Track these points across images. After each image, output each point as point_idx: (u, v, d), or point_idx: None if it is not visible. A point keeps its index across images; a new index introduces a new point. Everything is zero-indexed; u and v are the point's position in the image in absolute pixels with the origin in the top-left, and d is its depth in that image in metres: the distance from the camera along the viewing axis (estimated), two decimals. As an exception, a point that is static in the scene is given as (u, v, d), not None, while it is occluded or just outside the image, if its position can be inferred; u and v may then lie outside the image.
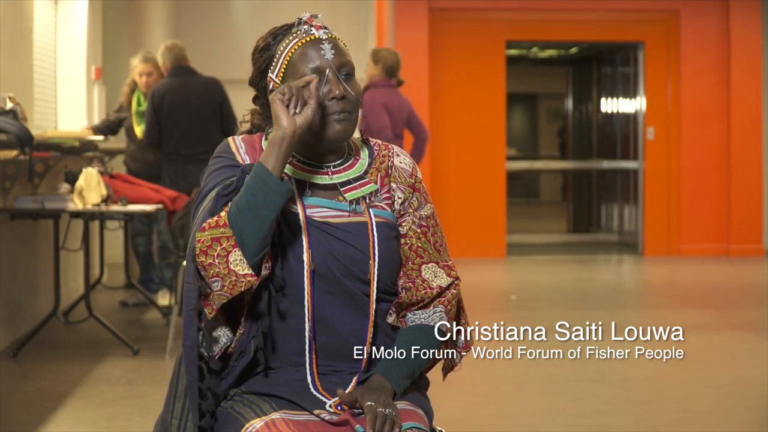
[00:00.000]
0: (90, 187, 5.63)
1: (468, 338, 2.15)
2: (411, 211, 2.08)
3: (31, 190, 5.85)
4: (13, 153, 5.17)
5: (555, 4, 10.16)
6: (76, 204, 5.61)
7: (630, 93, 10.75)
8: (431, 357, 2.05)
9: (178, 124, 6.66)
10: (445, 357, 2.14)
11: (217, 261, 1.88)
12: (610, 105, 11.80)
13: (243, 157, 2.03)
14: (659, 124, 10.23)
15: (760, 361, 5.38)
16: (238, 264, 1.87)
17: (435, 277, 2.06)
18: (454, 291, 2.08)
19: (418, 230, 2.08)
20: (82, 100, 7.71)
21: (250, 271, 1.87)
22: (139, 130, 6.92)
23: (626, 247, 10.74)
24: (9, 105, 5.18)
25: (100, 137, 6.93)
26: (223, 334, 1.99)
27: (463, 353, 2.15)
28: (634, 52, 10.45)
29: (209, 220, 1.90)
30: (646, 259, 10.09)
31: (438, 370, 2.21)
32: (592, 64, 12.13)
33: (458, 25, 10.03)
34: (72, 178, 5.80)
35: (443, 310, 2.06)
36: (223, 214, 1.89)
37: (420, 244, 2.07)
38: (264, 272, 1.93)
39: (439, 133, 9.94)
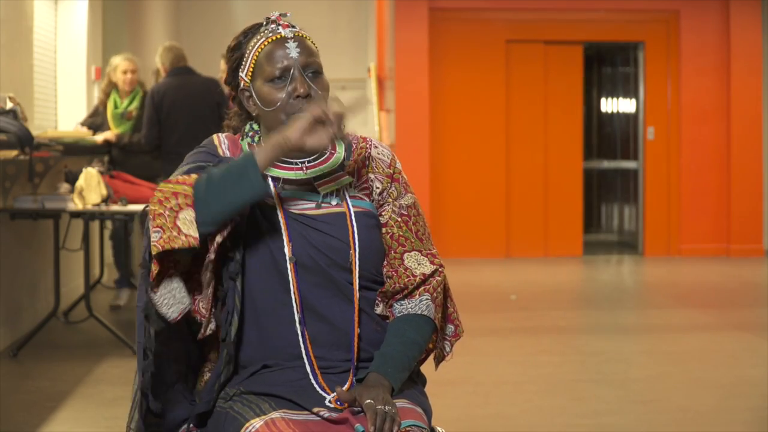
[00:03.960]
0: (90, 187, 5.63)
1: (457, 326, 2.15)
2: (390, 200, 2.10)
3: (31, 190, 5.85)
4: (13, 153, 5.17)
5: (555, 4, 10.16)
6: (76, 204, 5.61)
7: (630, 93, 10.75)
8: (423, 345, 2.05)
9: (178, 124, 6.67)
10: (435, 347, 2.14)
11: (167, 213, 1.88)
12: (610, 105, 11.79)
13: (224, 151, 2.07)
14: (659, 124, 10.23)
15: (760, 361, 5.38)
16: (186, 223, 1.87)
17: (418, 265, 2.07)
18: (439, 278, 2.08)
19: (399, 219, 2.09)
20: (82, 100, 7.71)
21: (195, 234, 1.87)
22: (117, 131, 6.90)
23: (626, 247, 10.74)
24: (9, 105, 5.18)
25: (100, 138, 6.93)
26: (185, 296, 1.97)
27: (453, 341, 2.15)
28: (634, 52, 10.46)
29: (177, 177, 1.93)
30: (646, 259, 10.09)
31: (438, 369, 2.21)
32: (592, 64, 12.13)
33: (458, 25, 10.03)
34: (72, 178, 5.80)
35: (429, 298, 2.06)
36: (193, 176, 1.92)
37: (401, 233, 2.08)
38: (218, 239, 1.92)
39: (439, 133, 9.94)
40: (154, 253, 1.88)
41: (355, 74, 11.39)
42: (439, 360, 2.17)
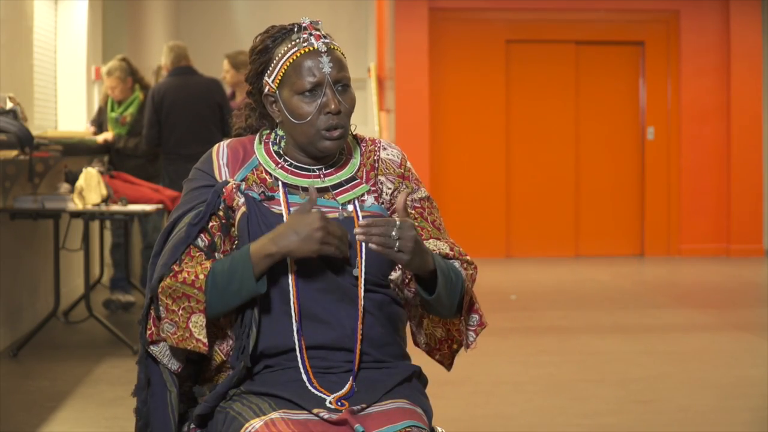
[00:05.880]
0: (90, 187, 5.63)
1: (481, 315, 2.12)
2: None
3: (31, 190, 5.85)
4: (13, 153, 5.17)
5: (555, 4, 10.16)
6: (76, 204, 5.61)
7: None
8: (456, 280, 2.02)
9: (178, 124, 6.66)
10: (457, 335, 2.12)
11: (180, 312, 1.94)
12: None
13: (222, 170, 2.05)
14: (659, 124, 10.23)
15: (760, 361, 5.38)
16: (197, 327, 1.93)
17: (437, 249, 2.05)
18: (472, 272, 2.08)
19: (413, 211, 2.09)
20: (82, 100, 7.71)
21: (205, 340, 1.93)
22: (112, 135, 6.90)
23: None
24: (9, 105, 5.18)
25: (100, 138, 6.93)
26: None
27: (478, 330, 2.12)
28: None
29: (186, 274, 1.94)
30: (646, 259, 10.09)
31: (437, 370, 2.20)
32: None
33: (458, 25, 10.03)
34: (72, 178, 5.80)
35: (459, 264, 2.05)
36: (201, 276, 1.93)
37: (417, 224, 2.08)
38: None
39: (439, 133, 9.94)
40: (167, 342, 1.97)
41: (355, 74, 11.34)
42: (456, 351, 2.15)
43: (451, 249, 2.07)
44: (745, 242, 10.07)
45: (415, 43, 9.81)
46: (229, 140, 2.12)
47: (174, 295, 1.93)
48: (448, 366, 2.17)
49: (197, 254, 1.98)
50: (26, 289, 5.99)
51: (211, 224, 2.01)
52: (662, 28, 10.23)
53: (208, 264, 1.95)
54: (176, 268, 1.96)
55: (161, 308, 1.95)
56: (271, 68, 2.03)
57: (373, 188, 2.09)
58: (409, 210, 2.09)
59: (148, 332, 1.99)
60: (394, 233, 1.87)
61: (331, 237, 1.89)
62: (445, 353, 2.14)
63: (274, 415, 1.89)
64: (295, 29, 2.04)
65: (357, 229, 1.86)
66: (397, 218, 1.89)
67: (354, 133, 2.15)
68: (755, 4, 10.09)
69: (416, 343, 2.15)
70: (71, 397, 4.58)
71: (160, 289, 1.95)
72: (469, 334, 2.12)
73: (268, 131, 2.12)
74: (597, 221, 10.25)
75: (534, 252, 10.12)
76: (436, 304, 1.99)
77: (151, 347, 2.01)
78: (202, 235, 2.00)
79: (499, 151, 10.07)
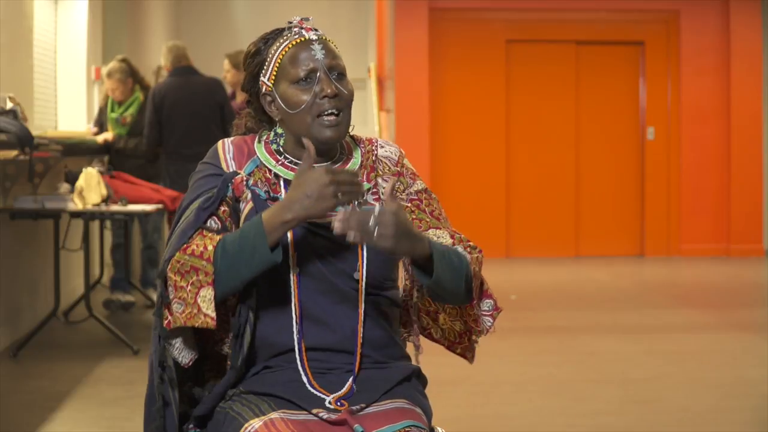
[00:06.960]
0: (90, 187, 5.63)
1: (496, 300, 2.09)
2: (399, 193, 2.09)
3: (31, 190, 5.85)
4: (13, 153, 5.17)
5: (555, 4, 10.16)
6: (76, 204, 5.61)
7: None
8: (460, 267, 1.97)
9: (179, 124, 6.66)
10: (466, 347, 2.13)
11: (188, 287, 1.90)
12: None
13: (229, 163, 2.05)
14: (659, 124, 10.23)
15: (760, 361, 5.38)
16: (205, 301, 1.89)
17: (437, 238, 2.03)
18: (477, 255, 2.03)
19: (410, 204, 2.08)
20: (82, 100, 7.71)
21: (213, 314, 1.89)
22: (112, 135, 6.90)
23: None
24: (9, 105, 5.18)
25: (100, 138, 6.93)
26: (194, 344, 2.02)
27: (495, 314, 2.09)
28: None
29: (195, 247, 1.91)
30: (646, 259, 10.09)
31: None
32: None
33: (458, 25, 10.03)
34: (72, 178, 5.80)
35: (462, 248, 2.01)
36: (210, 247, 1.90)
37: (415, 216, 2.07)
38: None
39: (439, 133, 9.94)
40: (177, 324, 1.92)
41: (355, 74, 11.37)
42: (479, 337, 2.13)
43: (452, 237, 2.05)
44: (745, 242, 10.07)
45: (415, 43, 9.81)
46: (231, 138, 2.12)
47: (182, 270, 1.90)
48: (471, 358, 2.16)
49: (209, 235, 1.95)
50: (26, 289, 5.99)
51: (222, 209, 2.00)
52: (662, 28, 10.23)
53: (218, 238, 1.93)
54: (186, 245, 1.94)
55: (170, 289, 1.92)
56: (265, 67, 2.04)
57: (375, 189, 2.08)
58: (405, 203, 2.07)
59: (165, 321, 1.94)
60: (371, 221, 1.83)
61: (344, 186, 1.86)
62: (466, 346, 2.13)
63: (274, 415, 1.89)
64: (286, 27, 2.05)
65: (335, 222, 1.82)
66: (378, 205, 1.86)
67: (351, 134, 2.14)
68: (755, 4, 10.09)
69: (430, 337, 2.14)
70: (71, 397, 4.58)
71: (169, 267, 1.91)
72: (485, 319, 2.09)
73: (267, 132, 2.12)
74: (597, 221, 10.26)
75: (534, 252, 10.12)
76: (437, 288, 1.94)
77: (168, 340, 1.98)
78: (213, 218, 1.98)
79: (499, 150, 10.08)
